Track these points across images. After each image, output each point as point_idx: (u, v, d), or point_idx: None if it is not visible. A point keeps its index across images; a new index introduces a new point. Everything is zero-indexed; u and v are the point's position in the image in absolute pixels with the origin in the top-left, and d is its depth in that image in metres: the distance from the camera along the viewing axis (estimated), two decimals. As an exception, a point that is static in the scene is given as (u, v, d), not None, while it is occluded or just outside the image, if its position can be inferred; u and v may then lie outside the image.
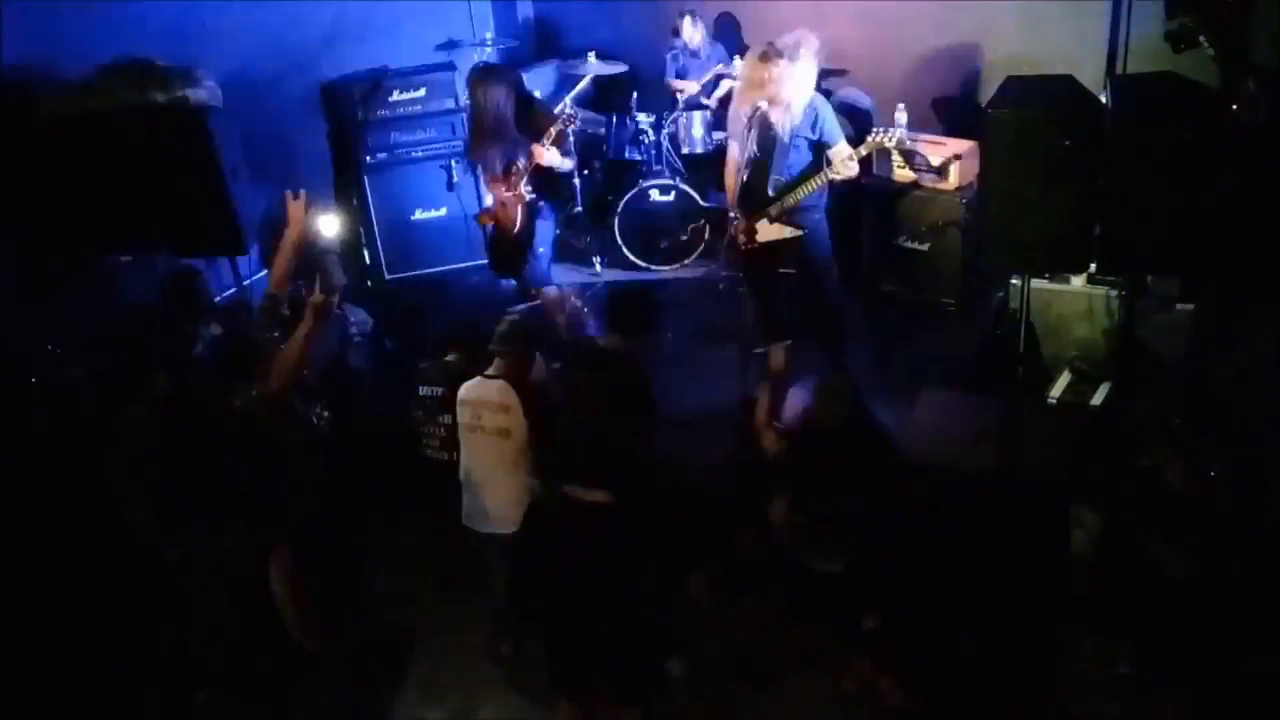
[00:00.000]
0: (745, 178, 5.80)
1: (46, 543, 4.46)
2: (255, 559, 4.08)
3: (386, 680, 4.95)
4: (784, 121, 5.65)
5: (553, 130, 6.24)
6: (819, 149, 5.73)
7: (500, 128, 6.31)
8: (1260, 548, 4.31)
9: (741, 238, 5.92)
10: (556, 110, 6.70)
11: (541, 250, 6.64)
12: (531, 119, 6.39)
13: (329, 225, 4.98)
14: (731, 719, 4.58)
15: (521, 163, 6.36)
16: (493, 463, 4.73)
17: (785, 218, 5.81)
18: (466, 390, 4.79)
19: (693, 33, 8.24)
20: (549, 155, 6.29)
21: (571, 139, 6.53)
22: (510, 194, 6.44)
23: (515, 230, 6.54)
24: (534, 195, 6.48)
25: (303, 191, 4.86)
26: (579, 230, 8.34)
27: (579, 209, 8.33)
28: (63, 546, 4.44)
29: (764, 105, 5.63)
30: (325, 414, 5.09)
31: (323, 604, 4.27)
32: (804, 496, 4.72)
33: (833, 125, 5.75)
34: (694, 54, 8.35)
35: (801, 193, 5.69)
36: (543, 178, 6.47)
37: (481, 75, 6.40)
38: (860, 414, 4.78)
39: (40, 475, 4.58)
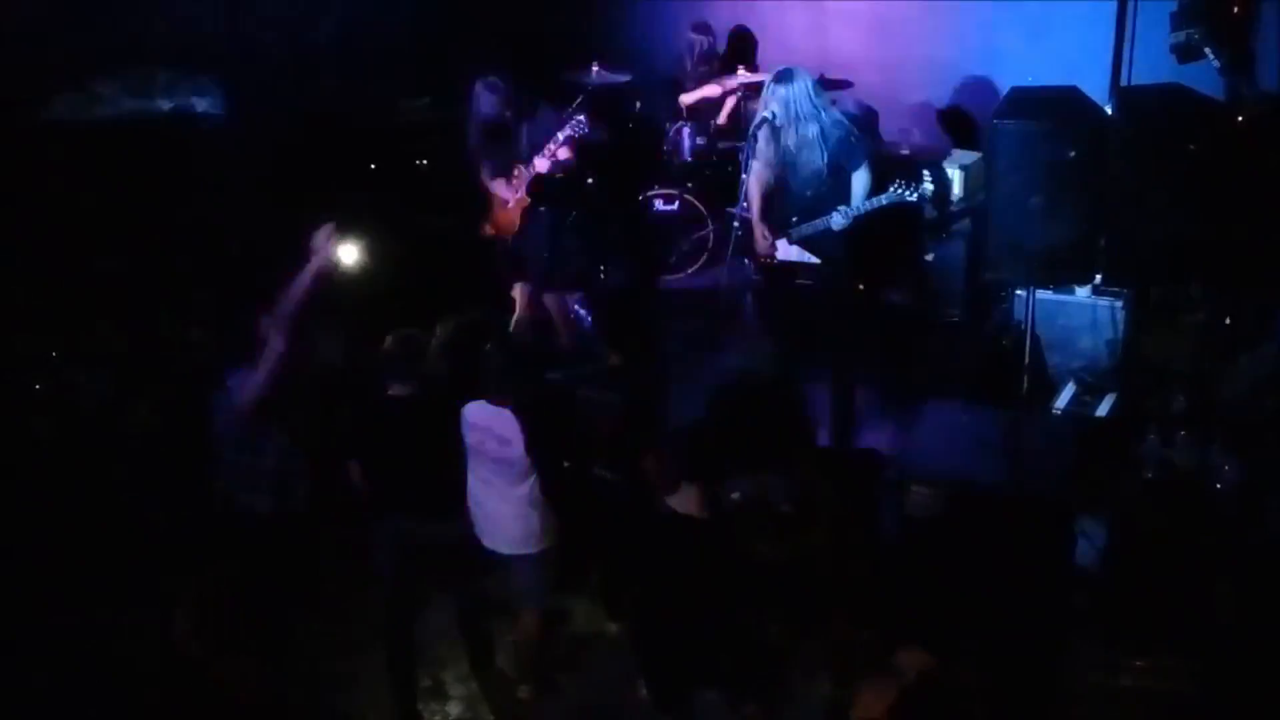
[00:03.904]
0: (767, 196, 5.80)
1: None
2: None
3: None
4: (802, 148, 5.65)
5: (560, 136, 6.27)
6: (837, 169, 5.70)
7: (503, 130, 6.35)
8: (1265, 554, 4.30)
9: (762, 251, 5.91)
10: (565, 116, 6.67)
11: (545, 255, 6.66)
12: (536, 124, 6.44)
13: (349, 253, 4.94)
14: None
15: (522, 167, 6.40)
16: (496, 488, 4.66)
17: (803, 242, 5.81)
18: (473, 413, 4.67)
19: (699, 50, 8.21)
20: (545, 164, 6.36)
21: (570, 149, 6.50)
22: (512, 197, 6.48)
23: (514, 234, 6.57)
24: (533, 201, 6.51)
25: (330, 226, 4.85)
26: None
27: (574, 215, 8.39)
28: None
29: (783, 129, 5.62)
30: None
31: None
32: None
33: (853, 152, 5.71)
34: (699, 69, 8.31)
35: (822, 223, 5.68)
36: (544, 185, 6.48)
37: (484, 79, 6.47)
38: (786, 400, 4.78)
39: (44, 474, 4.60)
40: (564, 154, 6.40)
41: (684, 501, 3.89)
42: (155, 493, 4.47)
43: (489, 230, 6.81)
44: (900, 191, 5.50)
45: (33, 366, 5.12)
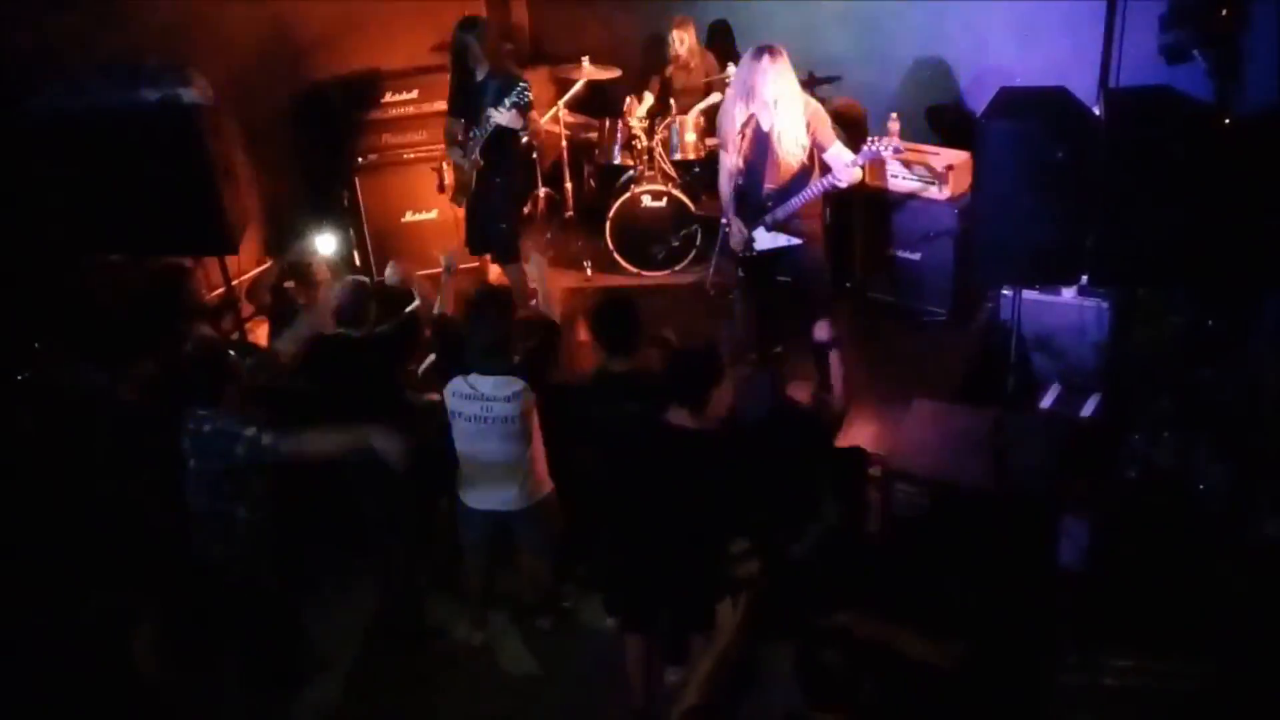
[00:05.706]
0: (740, 184, 5.77)
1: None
2: None
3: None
4: (777, 127, 5.63)
5: (507, 101, 6.16)
6: (813, 154, 5.72)
7: (469, 84, 6.38)
8: (1251, 555, 4.32)
9: (738, 245, 5.90)
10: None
11: (503, 225, 6.66)
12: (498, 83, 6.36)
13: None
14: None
15: (475, 130, 6.37)
16: (503, 452, 4.68)
17: (781, 226, 5.79)
18: (468, 385, 4.63)
19: (679, 47, 8.18)
20: (503, 116, 6.20)
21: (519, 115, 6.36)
22: (465, 158, 6.46)
23: (470, 197, 6.59)
24: (488, 165, 6.47)
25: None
26: (570, 235, 8.34)
27: (570, 213, 8.42)
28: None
29: (757, 111, 5.61)
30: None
31: None
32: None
33: (826, 130, 5.73)
34: (683, 66, 8.28)
35: (798, 200, 5.67)
36: (499, 147, 6.44)
37: (457, 30, 6.43)
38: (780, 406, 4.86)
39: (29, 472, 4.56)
40: (515, 118, 6.25)
41: (679, 415, 4.14)
42: (142, 486, 4.43)
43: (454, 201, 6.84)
44: (875, 149, 5.53)
45: (15, 358, 5.09)
